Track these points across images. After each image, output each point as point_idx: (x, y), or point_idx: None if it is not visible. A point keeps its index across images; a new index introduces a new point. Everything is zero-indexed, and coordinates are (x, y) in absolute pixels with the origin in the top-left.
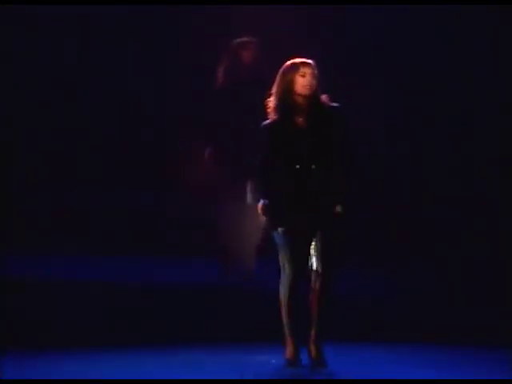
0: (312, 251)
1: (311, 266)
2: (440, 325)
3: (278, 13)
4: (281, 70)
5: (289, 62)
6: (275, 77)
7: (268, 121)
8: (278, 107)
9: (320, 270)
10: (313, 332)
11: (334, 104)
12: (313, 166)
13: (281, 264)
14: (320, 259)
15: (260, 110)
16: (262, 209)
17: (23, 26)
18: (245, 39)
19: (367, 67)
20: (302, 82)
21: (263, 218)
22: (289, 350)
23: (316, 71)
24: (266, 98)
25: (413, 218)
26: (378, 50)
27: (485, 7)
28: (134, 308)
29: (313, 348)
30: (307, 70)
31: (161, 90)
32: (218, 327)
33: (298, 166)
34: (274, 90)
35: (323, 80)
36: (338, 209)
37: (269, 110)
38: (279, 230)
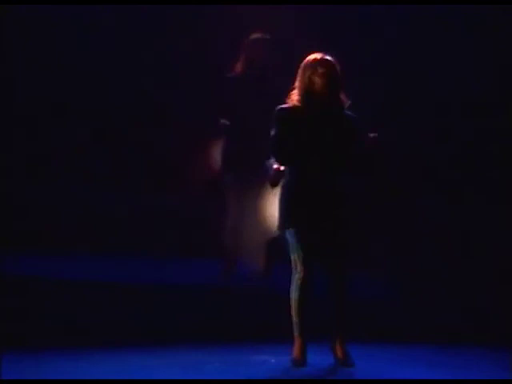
0: (326, 251)
1: (327, 265)
2: (440, 325)
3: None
4: (301, 66)
5: (308, 59)
6: (295, 70)
7: (286, 105)
8: (300, 102)
9: (335, 269)
10: (336, 331)
11: (350, 113)
12: (320, 164)
13: (292, 263)
14: (334, 259)
15: (269, 108)
16: (275, 172)
17: (23, 25)
18: (260, 35)
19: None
20: (320, 83)
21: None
22: (296, 350)
23: (335, 69)
24: (274, 96)
25: (412, 217)
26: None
27: (484, 7)
28: (134, 308)
29: (338, 348)
30: (324, 70)
31: (162, 90)
32: (218, 327)
33: (306, 162)
34: (296, 84)
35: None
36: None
37: (291, 102)
38: (291, 230)
